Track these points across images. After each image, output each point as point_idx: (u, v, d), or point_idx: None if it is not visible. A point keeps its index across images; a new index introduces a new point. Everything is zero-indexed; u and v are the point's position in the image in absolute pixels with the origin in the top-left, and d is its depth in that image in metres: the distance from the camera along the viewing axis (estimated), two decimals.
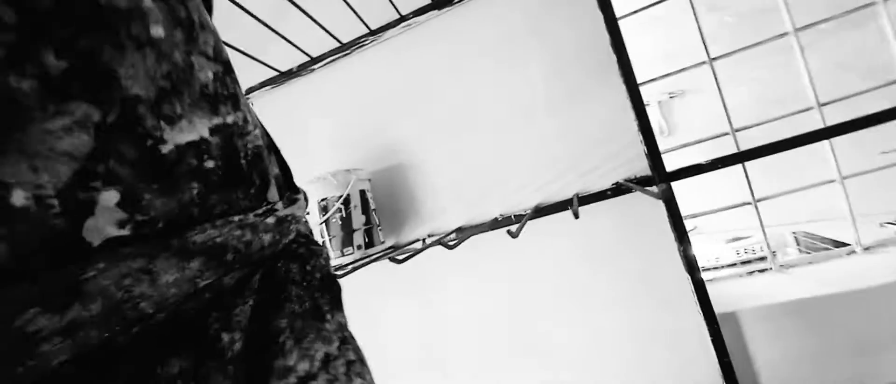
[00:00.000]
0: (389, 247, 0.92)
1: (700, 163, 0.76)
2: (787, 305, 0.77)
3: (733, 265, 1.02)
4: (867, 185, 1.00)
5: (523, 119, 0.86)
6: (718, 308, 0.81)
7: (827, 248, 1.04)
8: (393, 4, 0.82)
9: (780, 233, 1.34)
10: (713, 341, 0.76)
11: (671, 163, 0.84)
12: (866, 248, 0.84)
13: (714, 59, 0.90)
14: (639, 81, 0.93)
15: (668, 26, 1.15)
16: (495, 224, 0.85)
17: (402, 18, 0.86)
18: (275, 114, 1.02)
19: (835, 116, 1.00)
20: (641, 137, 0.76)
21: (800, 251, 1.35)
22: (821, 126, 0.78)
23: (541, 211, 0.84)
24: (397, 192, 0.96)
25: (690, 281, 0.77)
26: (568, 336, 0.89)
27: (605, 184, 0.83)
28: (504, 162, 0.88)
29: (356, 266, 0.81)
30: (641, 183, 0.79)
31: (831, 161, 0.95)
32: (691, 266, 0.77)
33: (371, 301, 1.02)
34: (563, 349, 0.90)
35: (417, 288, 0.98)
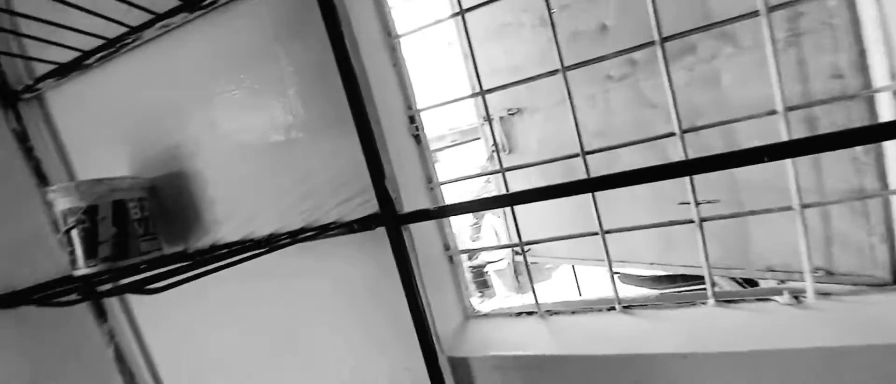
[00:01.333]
0: (163, 255, 0.91)
1: (428, 209, 0.72)
2: (512, 359, 0.76)
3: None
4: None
5: (285, 140, 0.81)
6: (456, 351, 0.80)
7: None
8: (136, 6, 0.76)
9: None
10: (432, 381, 0.76)
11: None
12: (625, 308, 0.81)
13: (487, 91, 0.82)
14: (416, 108, 0.87)
15: (513, 38, 1.06)
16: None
17: (158, 18, 0.80)
18: (65, 109, 0.98)
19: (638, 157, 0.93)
20: (370, 178, 0.72)
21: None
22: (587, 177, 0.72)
23: (303, 235, 0.81)
24: (181, 200, 0.94)
25: (414, 324, 0.75)
26: (323, 354, 0.90)
27: (358, 215, 0.80)
28: (270, 183, 0.85)
29: (113, 276, 0.81)
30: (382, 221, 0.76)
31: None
32: (416, 310, 0.75)
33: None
34: (320, 366, 0.91)
35: (205, 299, 0.99)
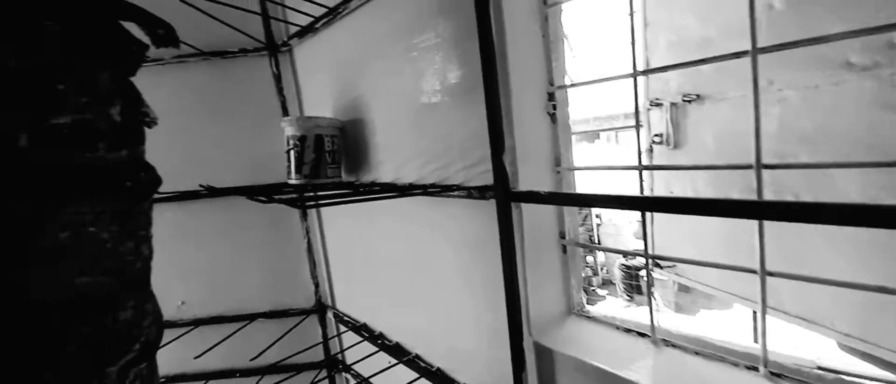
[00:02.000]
0: (341, 181, 1.18)
1: (538, 192, 0.70)
2: (599, 371, 0.70)
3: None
4: None
5: (431, 103, 0.91)
6: (544, 339, 0.79)
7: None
8: None
9: None
10: (513, 359, 0.79)
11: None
12: (775, 375, 0.62)
13: (642, 72, 0.68)
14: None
15: (709, 5, 0.85)
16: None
17: (345, 2, 0.98)
18: (303, 60, 1.33)
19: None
20: (490, 152, 0.74)
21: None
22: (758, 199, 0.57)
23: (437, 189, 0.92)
24: (358, 140, 1.18)
25: (505, 299, 0.78)
26: (433, 295, 1.02)
27: (480, 182, 0.84)
28: (416, 139, 0.97)
29: (312, 188, 1.12)
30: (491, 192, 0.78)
31: None
32: (510, 286, 0.77)
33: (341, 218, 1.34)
34: (428, 303, 1.04)
35: (363, 219, 1.24)
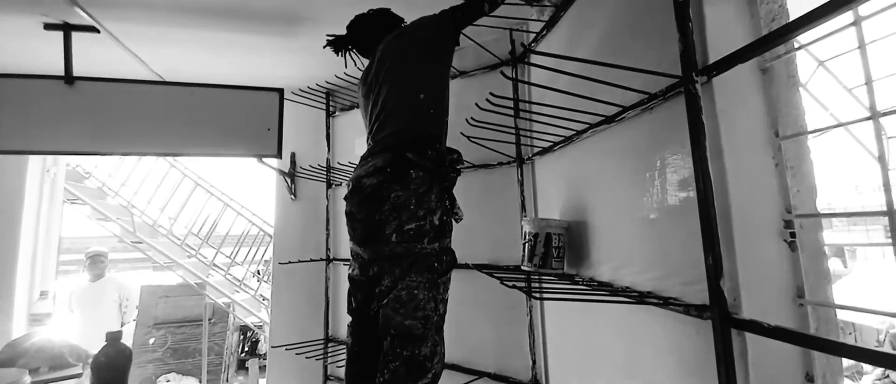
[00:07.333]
0: (563, 272, 1.38)
1: (761, 322, 0.69)
2: None
3: None
4: None
5: (648, 218, 1.02)
6: None
7: None
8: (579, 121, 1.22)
9: None
10: None
11: None
12: None
13: None
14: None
15: None
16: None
17: (591, 126, 1.23)
18: (540, 171, 1.67)
19: None
20: (706, 276, 0.79)
21: None
22: None
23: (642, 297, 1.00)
24: (581, 238, 1.36)
25: None
26: None
27: (697, 300, 0.86)
28: (634, 247, 1.08)
29: (538, 275, 1.39)
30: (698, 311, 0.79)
31: None
32: None
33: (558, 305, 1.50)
34: None
35: (579, 307, 1.37)
